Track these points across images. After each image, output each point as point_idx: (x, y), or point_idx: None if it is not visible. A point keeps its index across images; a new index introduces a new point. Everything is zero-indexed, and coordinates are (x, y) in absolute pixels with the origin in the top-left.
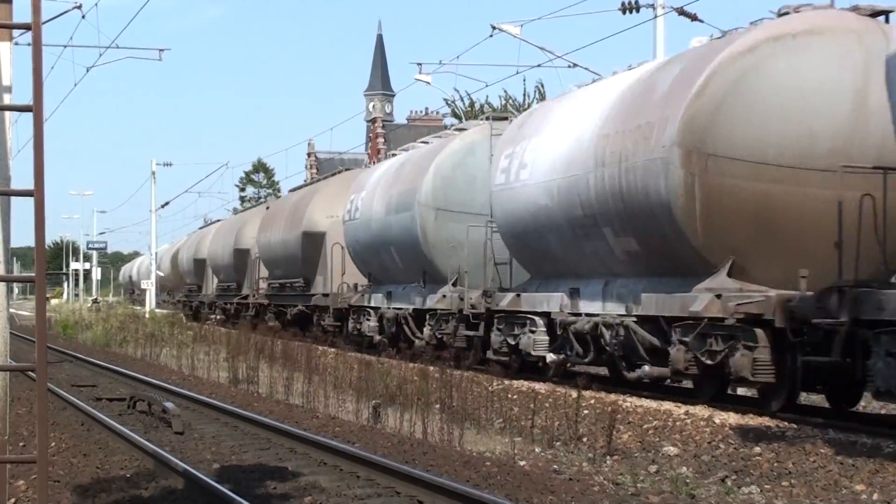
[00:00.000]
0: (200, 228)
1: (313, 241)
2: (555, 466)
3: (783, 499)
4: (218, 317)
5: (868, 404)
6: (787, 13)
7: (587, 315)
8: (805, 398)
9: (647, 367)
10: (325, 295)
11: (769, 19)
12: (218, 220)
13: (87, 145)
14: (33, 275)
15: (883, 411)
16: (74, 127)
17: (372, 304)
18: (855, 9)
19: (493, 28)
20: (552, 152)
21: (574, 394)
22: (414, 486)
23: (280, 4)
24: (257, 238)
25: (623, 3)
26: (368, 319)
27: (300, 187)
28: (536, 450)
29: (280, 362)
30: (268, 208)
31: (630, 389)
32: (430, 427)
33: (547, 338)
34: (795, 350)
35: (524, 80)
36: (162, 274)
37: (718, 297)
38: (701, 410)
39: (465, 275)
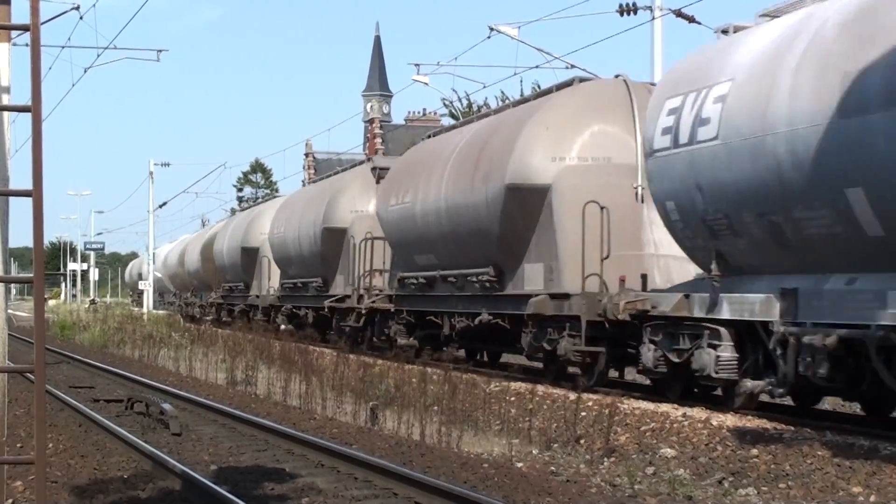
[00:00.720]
0: (244, 209)
1: (524, 203)
2: (552, 468)
3: (780, 500)
4: (284, 326)
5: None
6: None
7: None
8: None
9: None
10: (560, 296)
11: None
12: (267, 198)
13: (85, 146)
14: (32, 275)
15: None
16: (72, 127)
17: (723, 316)
18: None
19: (491, 29)
20: None
21: (571, 395)
22: (411, 487)
23: (278, 5)
24: (379, 209)
25: (621, 5)
26: (715, 347)
27: (447, 129)
28: (534, 451)
29: (278, 363)
30: (376, 171)
31: (627, 391)
32: (428, 429)
33: None
34: None
35: (521, 82)
36: (192, 269)
37: None
38: (698, 412)
39: None
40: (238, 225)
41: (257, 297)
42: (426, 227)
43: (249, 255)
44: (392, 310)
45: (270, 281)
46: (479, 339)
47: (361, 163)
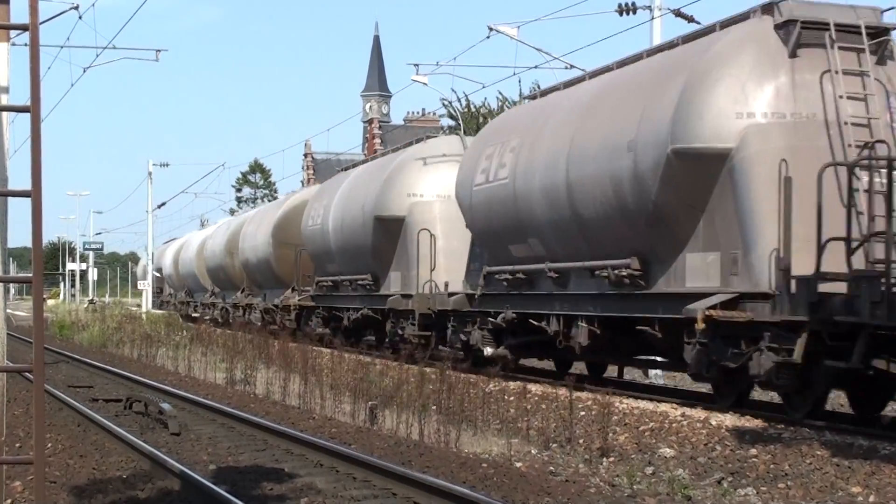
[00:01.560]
0: (360, 163)
1: None
2: (551, 468)
3: (779, 501)
4: (492, 351)
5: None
6: None
7: None
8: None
9: None
10: None
11: None
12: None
13: (84, 146)
14: (31, 275)
15: None
16: (71, 127)
17: None
18: None
19: (490, 29)
20: None
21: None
22: (410, 487)
23: (278, 5)
24: None
25: (620, 5)
26: None
27: None
28: (533, 451)
29: (277, 363)
30: (796, 26)
31: (626, 391)
32: (427, 428)
33: None
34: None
35: (519, 82)
36: (253, 258)
37: None
38: (697, 412)
39: None
40: (359, 185)
41: (405, 296)
42: None
43: (387, 231)
44: None
45: (434, 271)
46: None
47: (733, 24)
